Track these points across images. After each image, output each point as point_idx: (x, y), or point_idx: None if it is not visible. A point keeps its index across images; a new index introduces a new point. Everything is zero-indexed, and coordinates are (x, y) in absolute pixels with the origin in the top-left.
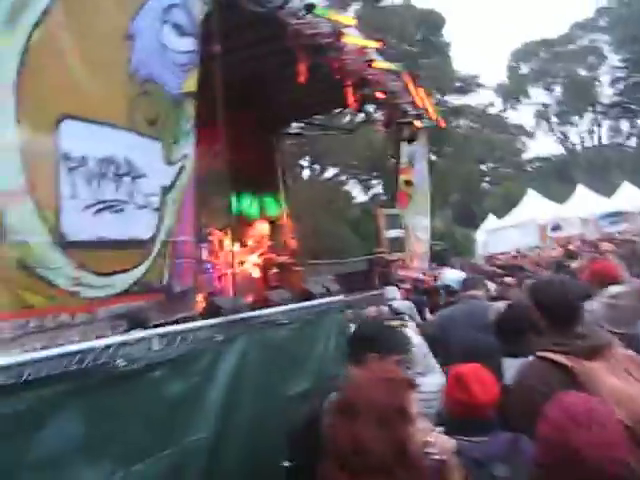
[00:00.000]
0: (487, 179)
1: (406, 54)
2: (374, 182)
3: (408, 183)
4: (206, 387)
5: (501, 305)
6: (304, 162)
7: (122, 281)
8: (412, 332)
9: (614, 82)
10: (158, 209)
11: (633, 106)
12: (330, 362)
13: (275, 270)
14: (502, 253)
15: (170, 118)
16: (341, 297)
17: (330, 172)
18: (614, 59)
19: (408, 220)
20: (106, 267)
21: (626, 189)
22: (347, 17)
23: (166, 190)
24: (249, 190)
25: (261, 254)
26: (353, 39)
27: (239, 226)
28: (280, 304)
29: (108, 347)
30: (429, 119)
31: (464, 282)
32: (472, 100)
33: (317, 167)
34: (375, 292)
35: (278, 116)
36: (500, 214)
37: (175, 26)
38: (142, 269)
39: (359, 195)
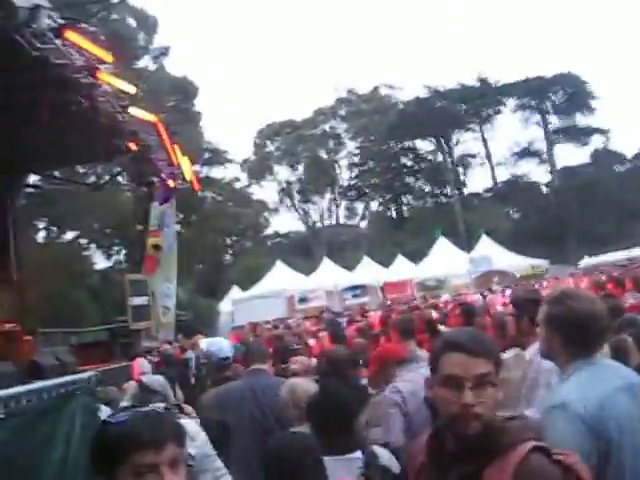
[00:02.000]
0: (230, 251)
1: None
2: (117, 248)
3: (156, 247)
4: None
5: (300, 382)
6: (40, 222)
7: None
8: (193, 423)
9: (351, 167)
10: None
11: (367, 190)
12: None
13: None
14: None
15: None
16: (91, 372)
17: (70, 235)
18: (351, 146)
19: (155, 287)
20: None
21: (366, 264)
22: (104, 52)
23: None
24: None
25: None
26: (108, 78)
27: None
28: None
29: None
30: (183, 180)
31: (247, 351)
32: (218, 173)
33: (54, 229)
34: (118, 365)
35: (14, 166)
36: (243, 286)
37: None
38: None
39: (101, 261)
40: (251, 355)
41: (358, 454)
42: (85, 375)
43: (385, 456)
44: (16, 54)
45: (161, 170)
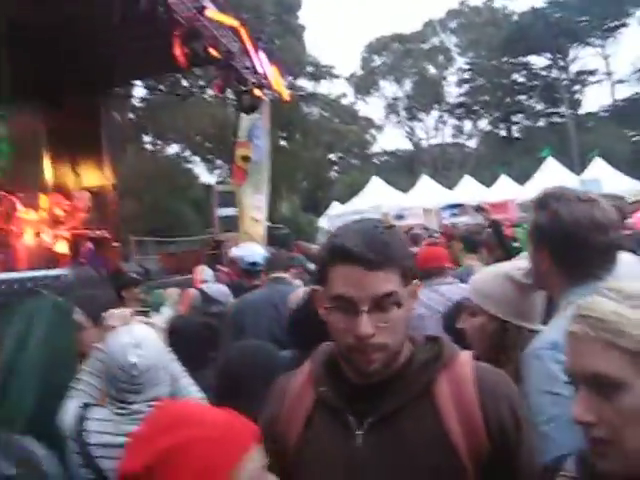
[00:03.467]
0: (335, 168)
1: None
2: (219, 162)
3: (245, 159)
4: None
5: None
6: (146, 136)
7: None
8: (143, 329)
9: (460, 83)
10: None
11: (475, 108)
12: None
13: (89, 246)
14: None
15: None
16: (63, 271)
17: (174, 148)
18: (461, 61)
19: (243, 199)
20: None
21: (467, 183)
22: None
23: None
24: (65, 156)
25: (72, 227)
26: None
27: (49, 194)
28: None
29: None
30: (271, 89)
31: (268, 261)
32: (324, 88)
33: (159, 142)
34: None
35: (102, 74)
36: (343, 202)
37: None
38: None
39: (205, 174)
40: (271, 263)
41: None
42: (54, 272)
43: None
44: None
45: (246, 78)
